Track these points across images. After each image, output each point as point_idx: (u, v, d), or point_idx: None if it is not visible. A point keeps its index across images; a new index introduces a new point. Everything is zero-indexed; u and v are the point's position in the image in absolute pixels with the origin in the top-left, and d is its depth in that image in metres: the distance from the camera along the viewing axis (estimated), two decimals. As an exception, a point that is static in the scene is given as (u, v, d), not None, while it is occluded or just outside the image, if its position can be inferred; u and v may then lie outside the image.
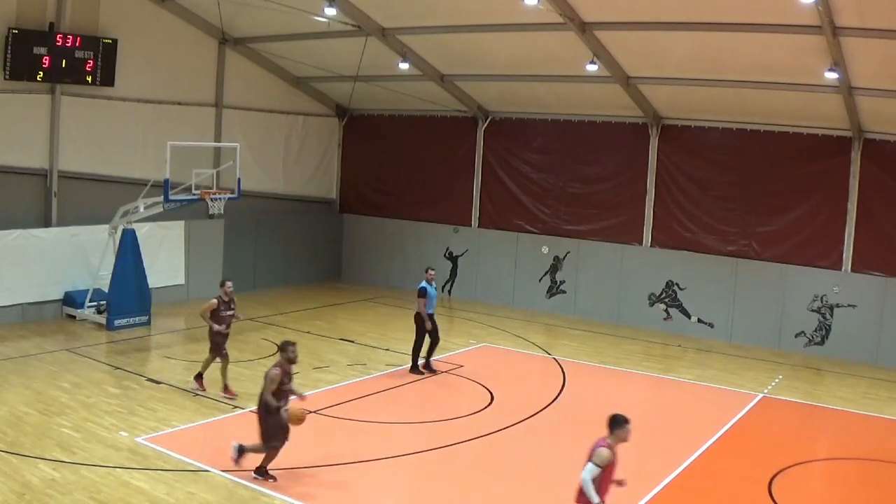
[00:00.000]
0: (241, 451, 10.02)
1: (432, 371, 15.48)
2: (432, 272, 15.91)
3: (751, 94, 17.71)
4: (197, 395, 13.29)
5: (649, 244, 20.96)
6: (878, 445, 12.86)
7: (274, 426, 9.85)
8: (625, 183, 21.20)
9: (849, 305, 18.51)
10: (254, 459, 10.06)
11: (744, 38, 15.43)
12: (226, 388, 13.37)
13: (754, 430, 13.26)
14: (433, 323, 15.31)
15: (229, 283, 13.55)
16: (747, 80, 17.19)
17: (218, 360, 13.44)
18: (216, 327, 13.29)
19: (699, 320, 20.21)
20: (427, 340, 15.40)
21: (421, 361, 15.46)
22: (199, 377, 13.53)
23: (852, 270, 18.71)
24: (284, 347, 10.25)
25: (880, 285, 18.22)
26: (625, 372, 16.56)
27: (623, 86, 18.84)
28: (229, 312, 13.47)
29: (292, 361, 10.20)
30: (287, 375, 10.06)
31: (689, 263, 20.31)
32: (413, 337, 15.41)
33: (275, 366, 10.10)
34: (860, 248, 18.65)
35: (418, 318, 15.28)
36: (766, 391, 15.47)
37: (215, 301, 13.36)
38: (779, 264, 19.32)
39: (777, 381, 16.32)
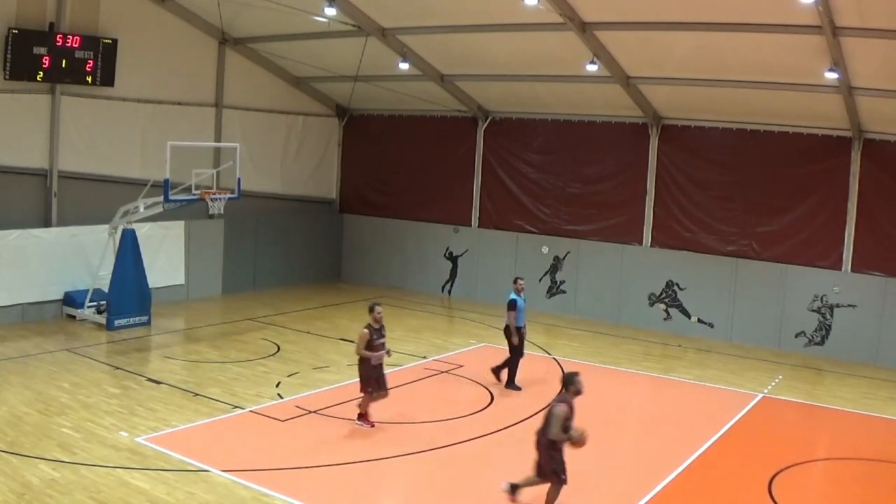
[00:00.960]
0: (515, 488, 9.57)
1: (517, 388, 14.58)
2: (522, 282, 14.94)
3: (751, 94, 17.69)
4: (364, 427, 12.13)
5: (649, 244, 20.95)
6: (879, 445, 12.85)
7: (559, 461, 9.29)
8: (625, 183, 21.20)
9: (849, 305, 18.50)
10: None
11: (744, 38, 15.42)
12: (366, 417, 12.15)
13: (754, 431, 13.25)
14: (521, 337, 14.58)
15: (379, 308, 12.07)
16: (747, 80, 17.17)
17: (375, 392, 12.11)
18: (374, 359, 11.93)
19: (699, 320, 20.21)
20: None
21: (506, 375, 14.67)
22: (362, 416, 12.14)
23: (852, 270, 18.69)
24: (572, 380, 9.33)
25: (880, 285, 18.21)
26: (625, 372, 16.56)
27: (623, 86, 18.84)
28: (381, 340, 12.08)
29: (580, 393, 9.37)
30: (573, 411, 9.25)
31: (689, 263, 20.30)
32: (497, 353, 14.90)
33: (560, 401, 9.25)
34: (860, 249, 18.62)
35: (508, 332, 14.51)
36: (766, 391, 15.46)
37: (366, 331, 11.95)
38: (779, 264, 19.31)
39: (777, 381, 16.32)
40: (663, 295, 20.62)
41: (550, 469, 9.23)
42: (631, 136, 21.02)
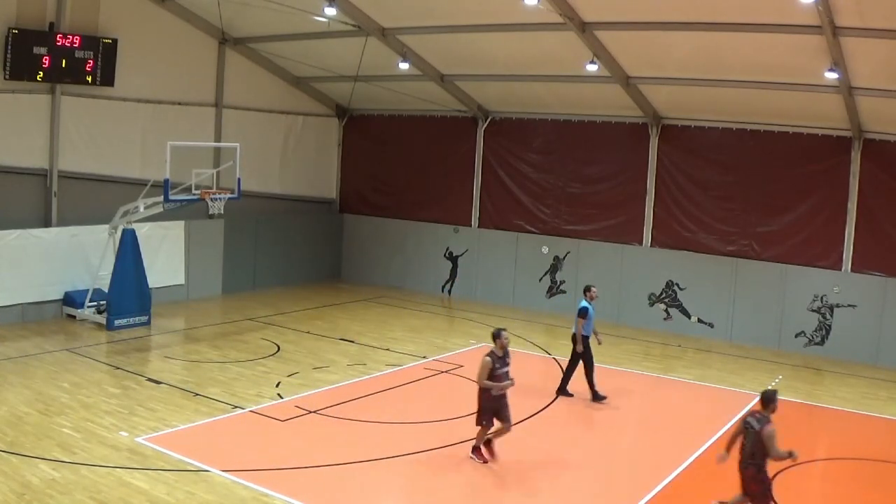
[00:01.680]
0: None
1: (568, 395, 14.44)
2: (595, 290, 14.47)
3: (751, 93, 17.69)
4: (477, 461, 11.22)
5: (649, 244, 20.95)
6: (879, 446, 12.85)
7: (768, 484, 9.18)
8: (625, 183, 21.21)
9: (849, 305, 18.50)
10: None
11: (744, 38, 15.42)
12: (480, 451, 11.19)
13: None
14: (587, 346, 14.16)
15: (506, 334, 11.21)
16: (747, 79, 17.17)
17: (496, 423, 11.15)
18: (496, 389, 10.93)
19: (699, 320, 20.21)
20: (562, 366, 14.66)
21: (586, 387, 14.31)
22: (477, 450, 11.23)
23: (852, 270, 18.70)
24: (773, 398, 9.24)
25: (880, 285, 18.22)
26: (625, 372, 16.55)
27: (623, 86, 18.83)
28: (505, 369, 11.11)
29: (775, 411, 9.21)
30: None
31: (689, 263, 20.31)
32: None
33: (766, 421, 9.06)
34: (860, 248, 18.64)
35: (574, 340, 14.14)
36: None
37: (489, 359, 10.97)
38: (779, 264, 19.32)
39: (777, 381, 16.31)
40: (663, 295, 20.62)
41: (761, 492, 9.13)
42: (631, 136, 21.03)
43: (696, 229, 20.31)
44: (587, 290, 14.54)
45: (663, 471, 10.98)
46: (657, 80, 18.54)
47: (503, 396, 11.09)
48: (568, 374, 14.50)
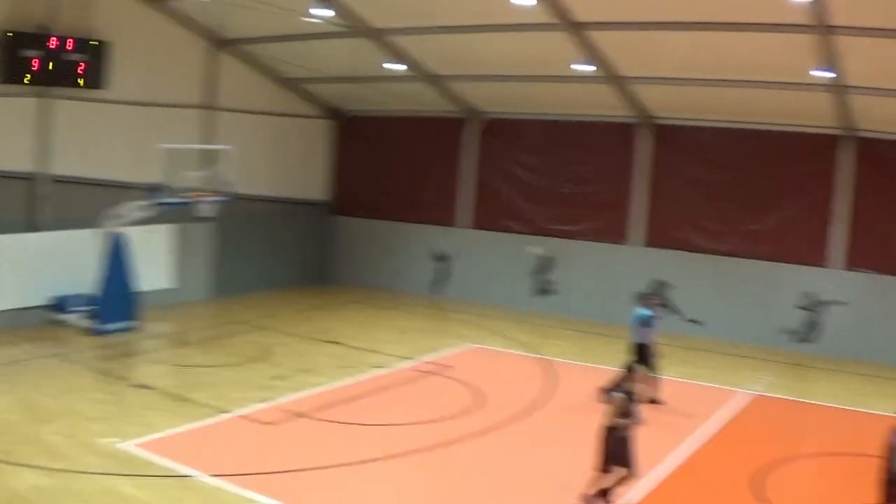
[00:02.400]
0: None
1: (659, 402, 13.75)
2: (654, 298, 14.36)
3: (744, 93, 17.67)
4: None
5: (640, 243, 20.92)
6: (867, 441, 12.78)
7: None
8: (615, 182, 21.19)
9: (839, 303, 18.52)
10: None
11: (737, 38, 15.35)
12: (590, 499, 9.55)
13: (745, 428, 13.26)
14: (644, 353, 13.62)
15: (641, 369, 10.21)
16: (740, 79, 17.13)
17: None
18: (622, 428, 9.48)
19: (690, 319, 20.18)
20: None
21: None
22: (589, 498, 9.59)
23: (843, 268, 18.77)
24: None
25: (871, 283, 18.31)
26: (614, 371, 16.47)
27: (615, 86, 18.83)
28: (636, 407, 9.80)
29: None
30: None
31: (679, 262, 20.27)
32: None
33: None
34: (851, 246, 18.72)
35: (641, 349, 13.60)
36: (755, 389, 15.45)
37: (622, 396, 9.74)
38: (769, 262, 19.38)
39: (766, 378, 16.32)
40: (653, 294, 20.55)
41: None
42: (622, 135, 21.06)
43: (687, 228, 20.35)
44: (645, 297, 14.33)
45: (652, 469, 10.90)
46: (650, 79, 18.51)
47: (628, 438, 9.50)
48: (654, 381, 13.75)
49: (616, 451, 9.42)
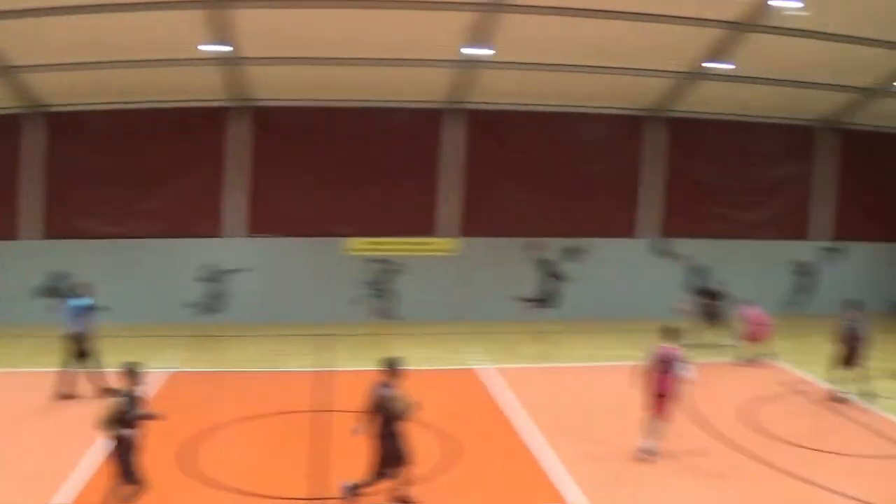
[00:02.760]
0: None
1: None
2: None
3: (134, 72, 17.27)
4: None
5: (37, 237, 19.09)
6: (291, 397, 13.07)
7: None
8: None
9: (242, 270, 18.25)
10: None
11: (126, 19, 15.02)
12: None
13: (162, 407, 11.57)
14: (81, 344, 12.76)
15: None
16: (130, 59, 16.75)
17: None
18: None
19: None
20: None
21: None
22: None
23: (244, 235, 19.50)
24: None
25: (271, 246, 19.37)
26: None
27: (4, 76, 17.20)
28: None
29: None
30: None
31: (80, 251, 18.58)
32: None
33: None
34: (250, 214, 19.39)
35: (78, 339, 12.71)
36: (170, 367, 14.68)
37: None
38: (165, 239, 19.24)
39: (173, 356, 15.67)
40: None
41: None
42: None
43: (85, 216, 19.04)
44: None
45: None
46: (42, 67, 17.14)
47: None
48: None
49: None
